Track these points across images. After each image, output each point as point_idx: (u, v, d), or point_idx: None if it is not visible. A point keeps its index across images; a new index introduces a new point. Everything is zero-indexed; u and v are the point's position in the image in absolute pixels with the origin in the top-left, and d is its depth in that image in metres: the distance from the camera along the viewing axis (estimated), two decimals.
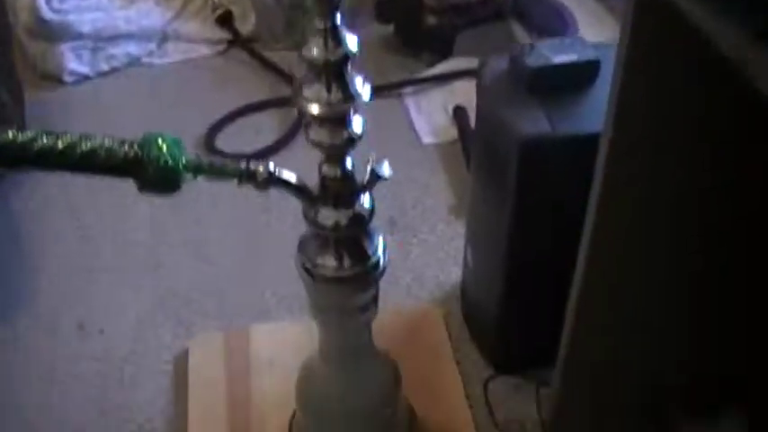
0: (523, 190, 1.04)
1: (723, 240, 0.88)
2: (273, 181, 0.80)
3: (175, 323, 1.37)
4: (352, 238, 0.87)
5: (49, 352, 1.33)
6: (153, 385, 1.29)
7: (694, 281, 0.92)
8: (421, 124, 1.73)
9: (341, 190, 0.83)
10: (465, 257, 1.29)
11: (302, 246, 0.89)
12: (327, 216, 0.84)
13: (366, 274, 0.88)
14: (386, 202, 1.56)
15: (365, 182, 0.84)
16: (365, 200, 0.86)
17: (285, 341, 1.29)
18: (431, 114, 1.75)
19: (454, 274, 1.42)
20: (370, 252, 0.88)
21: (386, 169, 0.84)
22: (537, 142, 1.00)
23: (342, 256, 0.86)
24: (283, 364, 1.25)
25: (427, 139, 1.70)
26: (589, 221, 0.86)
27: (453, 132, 1.69)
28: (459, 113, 1.68)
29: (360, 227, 0.86)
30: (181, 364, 1.30)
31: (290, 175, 0.82)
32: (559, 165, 1.01)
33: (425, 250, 1.47)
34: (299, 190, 0.83)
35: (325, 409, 1.04)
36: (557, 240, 0.96)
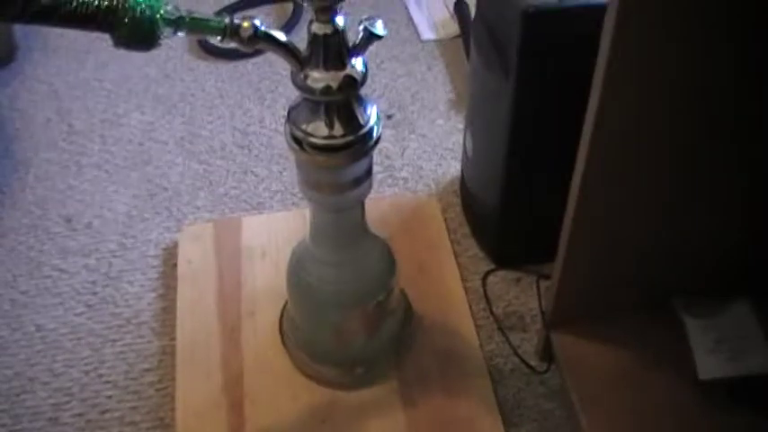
0: (526, 68, 0.98)
1: (728, 114, 0.84)
2: (259, 38, 0.74)
3: (165, 217, 1.33)
4: (343, 104, 0.82)
5: (37, 246, 1.29)
6: (141, 279, 1.25)
7: (699, 158, 0.88)
8: (420, 19, 1.67)
9: (332, 49, 0.78)
10: (464, 147, 1.24)
11: (291, 114, 0.84)
12: (317, 79, 0.79)
13: (359, 144, 0.83)
14: (383, 96, 1.51)
15: (358, 42, 0.79)
16: (357, 62, 0.80)
17: (278, 232, 1.25)
18: (431, 9, 1.69)
19: (453, 168, 1.37)
20: (362, 120, 0.83)
21: (380, 28, 0.78)
22: (542, 14, 0.94)
23: (333, 123, 0.81)
24: (276, 256, 1.21)
25: (427, 34, 1.64)
26: (594, 97, 0.81)
27: (454, 28, 1.63)
28: (460, 7, 1.61)
29: (352, 90, 0.80)
30: (170, 258, 1.26)
31: (278, 33, 0.77)
32: (564, 39, 0.96)
33: (423, 144, 1.42)
34: (287, 50, 0.78)
35: (316, 295, 0.99)
36: (560, 124, 0.93)
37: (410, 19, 1.68)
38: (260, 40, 0.74)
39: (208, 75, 1.58)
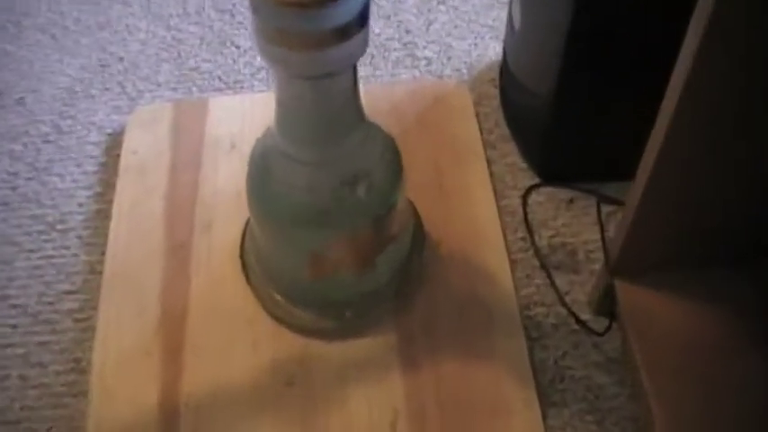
0: None
1: None
2: None
3: (116, 94, 1.04)
4: None
5: None
6: (75, 172, 0.97)
7: None
8: None
9: None
10: (509, 18, 0.91)
11: None
12: None
13: None
14: None
15: None
16: None
17: (255, 119, 0.95)
18: None
19: (492, 50, 1.06)
20: None
21: None
22: None
23: None
24: (249, 150, 0.90)
25: None
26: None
27: None
28: None
29: None
30: (115, 146, 0.98)
31: None
32: None
33: (455, 18, 1.10)
34: None
35: (286, 210, 0.69)
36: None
37: None
38: None
39: None
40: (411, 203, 0.83)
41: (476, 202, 0.88)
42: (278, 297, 0.79)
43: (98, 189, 0.94)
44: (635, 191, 0.69)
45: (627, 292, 0.76)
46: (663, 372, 0.73)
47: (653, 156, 0.64)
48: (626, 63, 0.77)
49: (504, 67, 0.96)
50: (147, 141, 0.94)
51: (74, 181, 0.95)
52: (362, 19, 0.56)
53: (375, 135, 0.69)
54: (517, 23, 0.89)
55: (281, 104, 0.64)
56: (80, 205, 0.93)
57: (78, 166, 0.97)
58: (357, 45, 0.57)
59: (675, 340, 0.75)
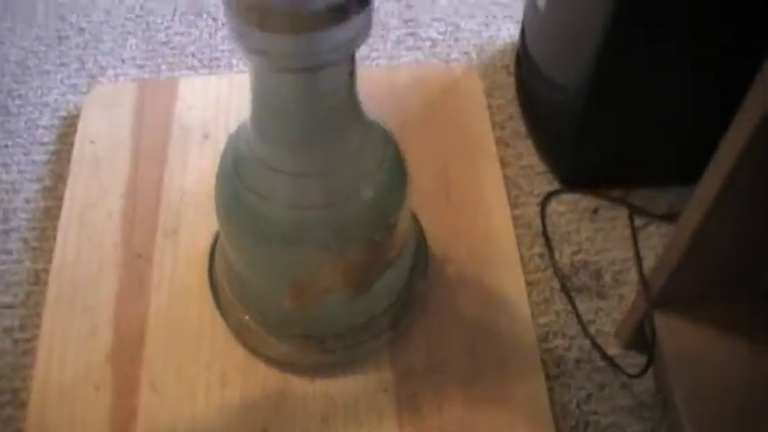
0: None
1: None
2: None
3: (74, 70, 0.91)
4: None
5: None
6: (23, 162, 0.85)
7: None
8: None
9: None
10: None
11: None
12: None
13: None
14: None
15: None
16: None
17: (232, 103, 0.82)
18: None
19: (505, 32, 0.93)
20: None
21: None
22: None
23: None
24: (224, 141, 0.77)
25: None
26: None
27: None
28: None
29: None
30: (70, 131, 0.86)
31: None
32: None
33: None
34: None
35: (263, 229, 0.56)
36: None
37: None
38: None
39: None
40: (414, 215, 0.70)
41: (488, 212, 0.75)
42: (252, 323, 0.66)
43: (48, 182, 0.81)
44: (696, 206, 0.56)
45: (671, 327, 0.64)
46: (709, 422, 0.61)
47: (730, 160, 0.51)
48: (672, 55, 0.65)
49: (523, 53, 0.83)
50: (105, 128, 0.81)
51: (20, 172, 0.82)
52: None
53: (374, 137, 0.56)
54: (542, 1, 0.76)
55: (258, 101, 0.51)
56: (27, 201, 0.80)
57: (26, 154, 0.84)
58: (357, 29, 0.44)
59: (724, 386, 0.63)
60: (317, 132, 0.51)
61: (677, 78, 0.68)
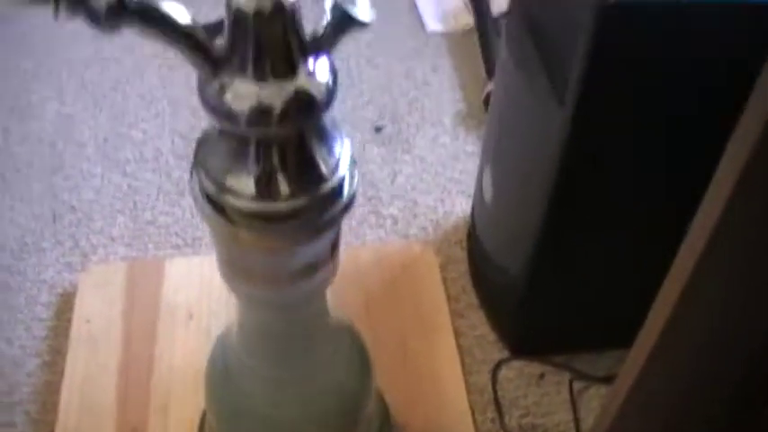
0: (593, 89, 0.65)
1: None
2: (128, 14, 0.39)
3: (69, 248, 1.00)
4: (291, 142, 0.46)
5: None
6: (24, 337, 0.92)
7: None
8: (426, 7, 1.32)
9: (271, 41, 0.43)
10: (479, 186, 0.89)
11: (200, 153, 0.49)
12: (244, 93, 0.44)
13: (318, 209, 0.48)
14: (371, 102, 1.15)
15: (321, 31, 0.44)
16: (320, 67, 0.45)
17: (214, 286, 0.90)
18: None
19: (459, 207, 1.03)
20: (325, 168, 0.48)
21: (362, 8, 0.43)
22: (627, 10, 0.61)
23: (273, 176, 0.46)
24: (207, 321, 0.87)
25: (433, 25, 1.31)
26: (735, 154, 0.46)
27: (468, 19, 1.29)
28: None
29: (306, 118, 0.45)
30: (66, 307, 0.95)
31: (171, 8, 0.42)
32: (658, 49, 0.63)
33: (420, 170, 1.08)
34: (187, 38, 0.42)
35: (249, 422, 0.65)
36: (635, 169, 0.71)
37: (414, 4, 1.33)
38: (130, 19, 0.39)
39: (151, 58, 1.22)
40: (378, 391, 0.79)
41: (443, 379, 0.85)
42: None
43: (47, 358, 0.89)
44: (628, 371, 0.65)
45: None
46: None
47: (657, 329, 0.61)
48: (601, 251, 0.76)
49: (473, 235, 0.93)
50: (98, 307, 0.90)
51: (22, 347, 0.90)
52: (334, 247, 0.53)
53: (342, 340, 0.65)
54: (488, 196, 0.87)
55: (243, 327, 0.60)
56: (29, 376, 0.88)
57: (27, 330, 0.92)
58: (327, 273, 0.54)
59: None
60: (292, 346, 0.60)
61: (606, 265, 0.78)
